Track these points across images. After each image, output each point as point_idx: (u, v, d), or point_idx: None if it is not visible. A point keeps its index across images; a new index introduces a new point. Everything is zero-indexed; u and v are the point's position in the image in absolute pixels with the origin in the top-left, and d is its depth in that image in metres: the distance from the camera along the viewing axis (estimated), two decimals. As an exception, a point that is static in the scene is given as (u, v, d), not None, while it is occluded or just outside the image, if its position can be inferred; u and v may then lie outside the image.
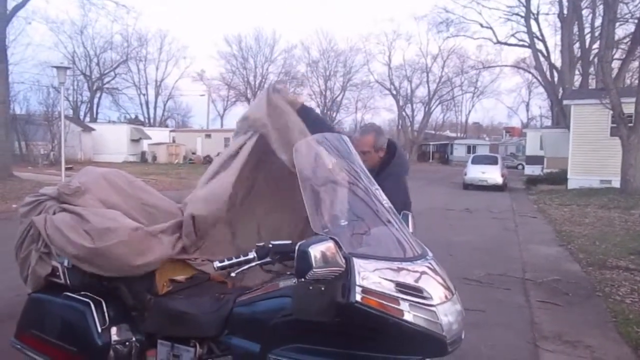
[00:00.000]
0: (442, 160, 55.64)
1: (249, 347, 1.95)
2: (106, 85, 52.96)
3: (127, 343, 2.17)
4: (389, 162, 2.97)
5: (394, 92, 59.43)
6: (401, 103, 59.82)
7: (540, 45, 34.68)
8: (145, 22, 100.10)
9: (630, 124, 16.68)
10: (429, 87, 58.52)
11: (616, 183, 17.50)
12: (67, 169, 16.49)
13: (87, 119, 48.85)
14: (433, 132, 65.10)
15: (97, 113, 52.70)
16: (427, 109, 59.35)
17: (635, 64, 19.66)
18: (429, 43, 76.99)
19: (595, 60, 25.22)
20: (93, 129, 36.63)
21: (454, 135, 67.78)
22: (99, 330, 2.15)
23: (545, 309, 5.30)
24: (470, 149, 52.35)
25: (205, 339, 2.11)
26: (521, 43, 36.81)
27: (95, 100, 52.76)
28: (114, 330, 2.18)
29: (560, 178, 21.97)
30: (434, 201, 15.68)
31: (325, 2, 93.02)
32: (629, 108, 16.77)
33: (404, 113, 60.21)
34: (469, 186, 21.45)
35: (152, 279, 2.15)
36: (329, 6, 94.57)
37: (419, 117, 60.56)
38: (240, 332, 1.99)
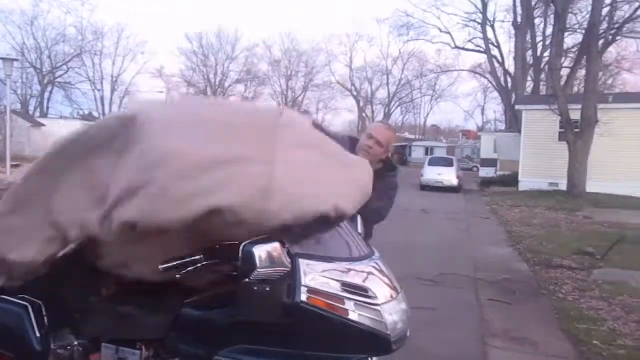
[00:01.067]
0: (401, 161, 56.33)
1: (195, 349, 1.93)
2: (58, 80, 51.04)
3: (68, 347, 2.10)
4: (387, 172, 2.96)
5: (355, 94, 60.02)
6: (362, 104, 60.47)
7: (495, 52, 35.82)
8: (101, 16, 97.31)
9: (576, 130, 17.43)
10: (389, 89, 59.49)
11: (563, 186, 18.25)
12: (13, 166, 15.81)
13: (38, 114, 46.96)
14: (392, 133, 65.87)
15: (48, 108, 50.82)
16: (387, 110, 60.20)
17: (583, 72, 20.51)
18: (390, 46, 77.90)
19: (546, 67, 26.18)
20: (43, 125, 35.19)
21: (413, 137, 68.91)
22: (38, 335, 2.07)
23: (494, 307, 5.47)
24: (429, 150, 53.37)
25: (151, 341, 2.07)
26: (478, 49, 37.85)
27: (47, 95, 50.88)
28: (54, 334, 2.11)
29: (512, 180, 22.71)
30: (391, 202, 15.87)
31: (289, 1, 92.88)
32: (576, 114, 17.53)
33: (364, 114, 60.84)
34: (426, 187, 21.86)
35: (94, 280, 2.10)
36: (292, 6, 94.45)
37: (379, 118, 61.21)
38: (188, 333, 1.97)
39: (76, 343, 2.11)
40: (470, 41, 38.37)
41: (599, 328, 4.74)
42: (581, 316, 5.09)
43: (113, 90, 57.02)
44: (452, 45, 39.80)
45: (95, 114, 54.40)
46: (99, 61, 54.75)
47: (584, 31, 19.83)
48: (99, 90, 55.95)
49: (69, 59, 50.39)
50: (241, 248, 1.66)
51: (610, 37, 19.58)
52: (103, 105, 56.73)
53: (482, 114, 63.03)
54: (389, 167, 3.04)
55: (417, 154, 55.73)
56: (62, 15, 65.82)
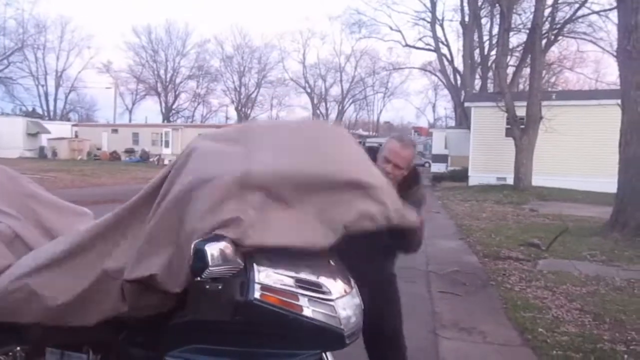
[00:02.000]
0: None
1: (145, 351, 1.89)
2: (-2, 74, 48.57)
3: (10, 353, 2.01)
4: (411, 186, 2.66)
5: (309, 91, 60.11)
6: (315, 101, 60.61)
7: (445, 50, 36.74)
8: (43, 8, 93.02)
9: (522, 126, 18.12)
10: (342, 86, 59.86)
11: (510, 180, 18.94)
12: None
13: (-24, 110, 44.54)
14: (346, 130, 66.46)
15: (-13, 104, 48.25)
16: (340, 107, 60.66)
17: (527, 70, 21.33)
18: (342, 43, 78.84)
19: (493, 66, 27.06)
20: (-18, 122, 33.42)
21: (366, 133, 69.69)
22: None
23: (445, 299, 5.62)
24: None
25: (98, 344, 2.01)
26: (428, 47, 38.67)
27: (-15, 91, 48.28)
28: None
29: (462, 175, 23.36)
30: (346, 198, 16.00)
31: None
32: (521, 111, 18.22)
33: (318, 111, 60.97)
34: (379, 183, 22.12)
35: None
36: (244, 1, 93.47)
37: (332, 115, 61.62)
38: (136, 335, 1.92)
39: (18, 348, 2.02)
40: (420, 39, 39.23)
41: (543, 316, 4.95)
42: (527, 305, 5.30)
43: (58, 86, 54.76)
44: (403, 43, 40.57)
45: (39, 111, 52.09)
46: (42, 55, 52.56)
47: (527, 31, 20.63)
48: (42, 86, 53.64)
49: (10, 53, 48.02)
50: (192, 246, 1.63)
51: (553, 37, 20.52)
52: (47, 101, 54.45)
53: (433, 110, 64.67)
54: (412, 179, 2.71)
55: (371, 150, 56.27)
56: (1, 7, 62.49)
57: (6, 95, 49.99)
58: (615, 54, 12.68)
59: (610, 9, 18.95)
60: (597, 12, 20.80)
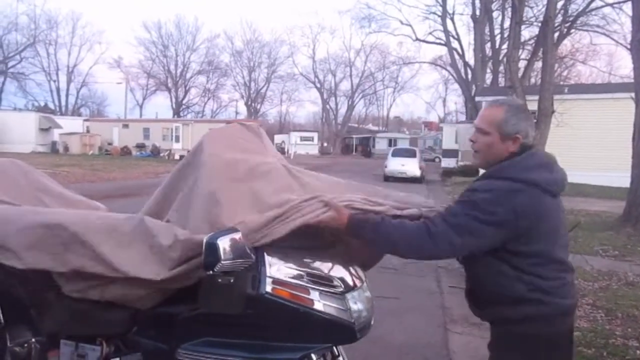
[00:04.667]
0: (365, 153, 56.96)
1: (158, 343, 1.91)
2: (11, 70, 49.02)
3: (25, 345, 2.04)
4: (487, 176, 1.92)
5: (318, 85, 60.02)
6: (325, 96, 60.51)
7: (455, 44, 36.47)
8: (55, 3, 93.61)
9: (534, 120, 17.96)
10: (352, 81, 59.70)
11: (522, 175, 18.75)
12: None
13: (-11, 105, 45.02)
14: (356, 125, 66.43)
15: (0, 100, 48.76)
16: (350, 102, 60.49)
17: (539, 64, 21.11)
18: (352, 38, 78.62)
19: (504, 59, 26.82)
20: (-5, 117, 33.79)
21: (376, 128, 69.56)
22: None
23: (454, 294, 5.59)
24: (392, 142, 53.95)
25: (112, 337, 2.03)
26: (438, 41, 38.42)
27: (-1, 86, 48.77)
28: (10, 330, 2.04)
29: (472, 170, 23.19)
30: (356, 193, 16.00)
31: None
32: (533, 105, 18.00)
33: (327, 106, 60.95)
34: (390, 178, 22.10)
35: (51, 274, 2.03)
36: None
37: (342, 110, 61.59)
38: (149, 328, 1.94)
39: (33, 340, 2.05)
40: (430, 33, 38.98)
41: (554, 311, 4.92)
42: (538, 300, 5.26)
43: (69, 81, 55.25)
44: (413, 37, 40.33)
45: (51, 106, 52.55)
46: (53, 51, 52.93)
47: (539, 24, 20.39)
48: (54, 81, 54.06)
49: (22, 49, 48.56)
50: (204, 240, 1.64)
51: (565, 30, 20.23)
52: (59, 96, 54.91)
53: (444, 105, 64.29)
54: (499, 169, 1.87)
55: (381, 145, 56.27)
56: (14, 3, 63.10)
57: (19, 91, 50.56)
58: (629, 46, 12.50)
59: (624, 1, 18.63)
60: (611, 5, 20.47)
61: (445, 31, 35.35)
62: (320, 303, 1.81)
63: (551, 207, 1.81)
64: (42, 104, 51.97)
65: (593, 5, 20.88)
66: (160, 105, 65.13)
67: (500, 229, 1.73)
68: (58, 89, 54.51)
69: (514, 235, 1.75)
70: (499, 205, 1.73)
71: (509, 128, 1.84)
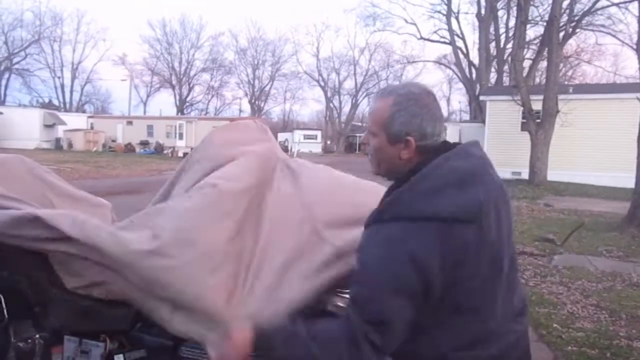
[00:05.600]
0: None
1: (162, 340, 1.90)
2: (16, 66, 49.22)
3: (29, 340, 2.04)
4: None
5: (322, 84, 59.93)
6: (329, 95, 60.44)
7: (460, 43, 36.39)
8: (60, 0, 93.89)
9: (538, 120, 17.91)
10: (356, 79, 59.58)
11: (526, 175, 18.75)
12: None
13: (-6, 102, 45.21)
14: (360, 124, 66.32)
15: (5, 96, 49.00)
16: (354, 101, 60.39)
17: (544, 63, 21.05)
18: (356, 36, 78.44)
19: (509, 59, 26.74)
20: (0, 113, 33.91)
21: (379, 127, 69.28)
22: None
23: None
24: (395, 141, 53.72)
25: (115, 333, 2.03)
26: (443, 40, 38.34)
27: (3, 82, 48.98)
28: (14, 326, 2.04)
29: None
30: (359, 191, 16.01)
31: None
32: (537, 105, 17.99)
33: (331, 105, 60.90)
34: (393, 177, 22.08)
35: (54, 270, 2.03)
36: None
37: (346, 109, 61.49)
38: (153, 324, 1.94)
39: (37, 336, 2.05)
40: (435, 32, 38.88)
41: (558, 312, 4.91)
42: (542, 300, 5.25)
43: (74, 78, 55.35)
44: (418, 36, 40.25)
45: (55, 102, 52.70)
46: (58, 47, 53.07)
47: (545, 23, 20.32)
48: (59, 78, 54.19)
49: (27, 45, 48.67)
50: None
51: (570, 30, 20.17)
52: (63, 93, 55.06)
53: (448, 104, 64.08)
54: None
55: (384, 143, 56.05)
56: (19, -1, 63.18)
57: (23, 87, 50.79)
58: (634, 46, 12.45)
59: (630, 1, 18.55)
60: (617, 4, 20.39)
61: (450, 30, 35.32)
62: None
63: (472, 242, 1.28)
64: (47, 100, 52.17)
65: (599, 4, 20.82)
66: (164, 102, 65.24)
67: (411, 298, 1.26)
68: (62, 86, 54.71)
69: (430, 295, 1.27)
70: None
71: (395, 128, 1.36)
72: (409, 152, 1.36)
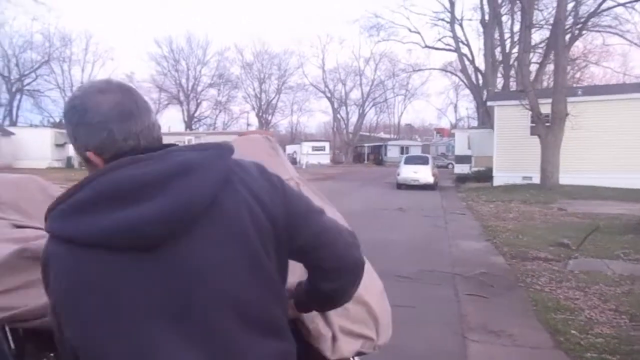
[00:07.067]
0: (377, 161, 56.80)
1: None
2: (27, 87, 49.93)
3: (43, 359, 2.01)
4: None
5: (329, 95, 60.20)
6: (336, 105, 60.64)
7: (465, 50, 36.41)
8: (68, 22, 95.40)
9: (547, 124, 17.77)
10: (362, 89, 59.81)
11: (536, 179, 18.57)
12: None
13: (7, 122, 45.79)
14: (367, 133, 66.38)
15: (17, 116, 49.59)
16: (361, 111, 60.53)
17: (551, 67, 20.93)
18: (361, 47, 79.11)
19: (515, 63, 26.65)
20: (12, 133, 34.38)
21: (387, 136, 69.37)
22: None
23: (472, 301, 5.49)
24: (404, 149, 53.79)
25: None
26: (448, 47, 38.42)
27: (15, 103, 49.65)
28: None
29: (486, 176, 23.01)
30: (369, 201, 15.94)
31: (257, 4, 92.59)
32: (546, 108, 17.87)
33: (338, 115, 61.07)
34: (402, 186, 21.98)
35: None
36: (261, 8, 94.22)
37: (353, 119, 61.62)
38: None
39: (52, 355, 2.01)
40: (440, 40, 39.01)
41: (575, 317, 4.79)
42: (558, 306, 5.14)
43: (83, 98, 55.86)
44: (422, 44, 40.42)
45: (66, 122, 53.23)
46: (67, 68, 53.78)
47: (550, 27, 20.25)
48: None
49: (37, 66, 49.38)
50: None
51: (577, 32, 20.06)
52: (73, 112, 55.51)
53: (455, 111, 64.10)
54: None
55: (393, 153, 56.12)
56: (29, 22, 64.37)
57: (34, 108, 51.39)
58: (642, 46, 12.32)
59: (636, 0, 18.47)
60: (623, 4, 20.29)
61: (455, 37, 35.35)
62: None
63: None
64: (58, 120, 52.71)
65: (604, 5, 20.70)
66: (173, 118, 65.79)
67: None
68: (72, 106, 55.21)
69: None
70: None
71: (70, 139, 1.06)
72: (91, 167, 1.05)
